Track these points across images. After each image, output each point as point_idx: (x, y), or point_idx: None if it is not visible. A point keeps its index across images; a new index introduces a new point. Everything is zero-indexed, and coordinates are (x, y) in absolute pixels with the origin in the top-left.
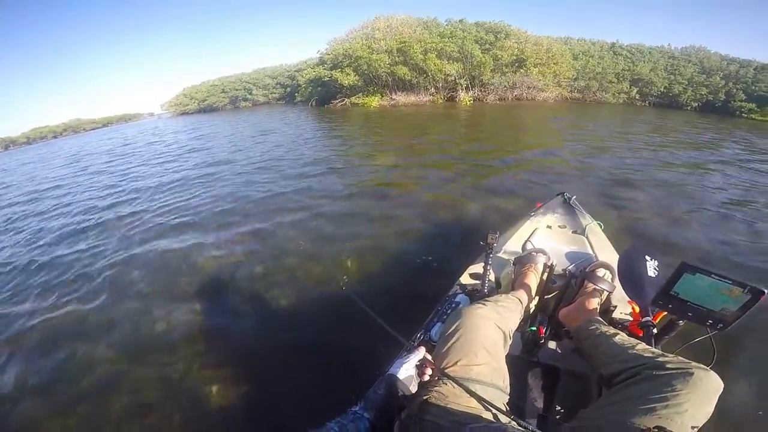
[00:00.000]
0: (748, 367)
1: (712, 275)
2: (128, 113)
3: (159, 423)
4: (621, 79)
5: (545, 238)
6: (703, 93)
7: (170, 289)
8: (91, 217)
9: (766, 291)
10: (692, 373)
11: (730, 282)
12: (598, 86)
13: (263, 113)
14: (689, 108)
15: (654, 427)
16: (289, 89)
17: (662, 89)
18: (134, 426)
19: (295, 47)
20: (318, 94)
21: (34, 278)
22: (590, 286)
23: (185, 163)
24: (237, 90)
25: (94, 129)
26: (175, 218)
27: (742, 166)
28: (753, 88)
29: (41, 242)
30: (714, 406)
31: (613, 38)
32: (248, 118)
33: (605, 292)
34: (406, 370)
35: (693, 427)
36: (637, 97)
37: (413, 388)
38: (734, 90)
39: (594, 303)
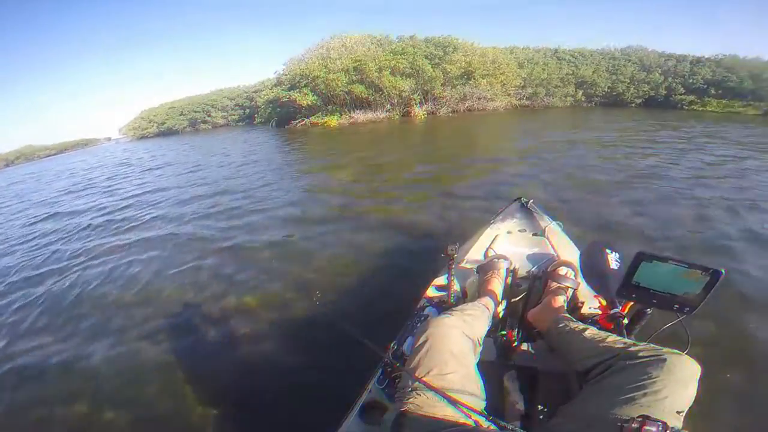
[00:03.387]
0: (726, 348)
1: (669, 261)
2: (85, 138)
3: None
4: (566, 83)
5: (506, 243)
6: (645, 89)
7: (135, 320)
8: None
9: (722, 271)
10: (665, 359)
11: (687, 266)
12: (545, 92)
13: (223, 136)
14: (633, 105)
15: (638, 417)
16: (248, 111)
17: (606, 89)
18: None
19: (253, 67)
20: (277, 114)
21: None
22: (554, 285)
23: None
24: (196, 112)
25: (48, 156)
26: (141, 250)
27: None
28: (690, 81)
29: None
30: (695, 389)
31: (556, 44)
32: (210, 142)
33: (569, 288)
34: None
35: (678, 412)
36: (583, 99)
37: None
38: (674, 84)
39: (560, 301)
